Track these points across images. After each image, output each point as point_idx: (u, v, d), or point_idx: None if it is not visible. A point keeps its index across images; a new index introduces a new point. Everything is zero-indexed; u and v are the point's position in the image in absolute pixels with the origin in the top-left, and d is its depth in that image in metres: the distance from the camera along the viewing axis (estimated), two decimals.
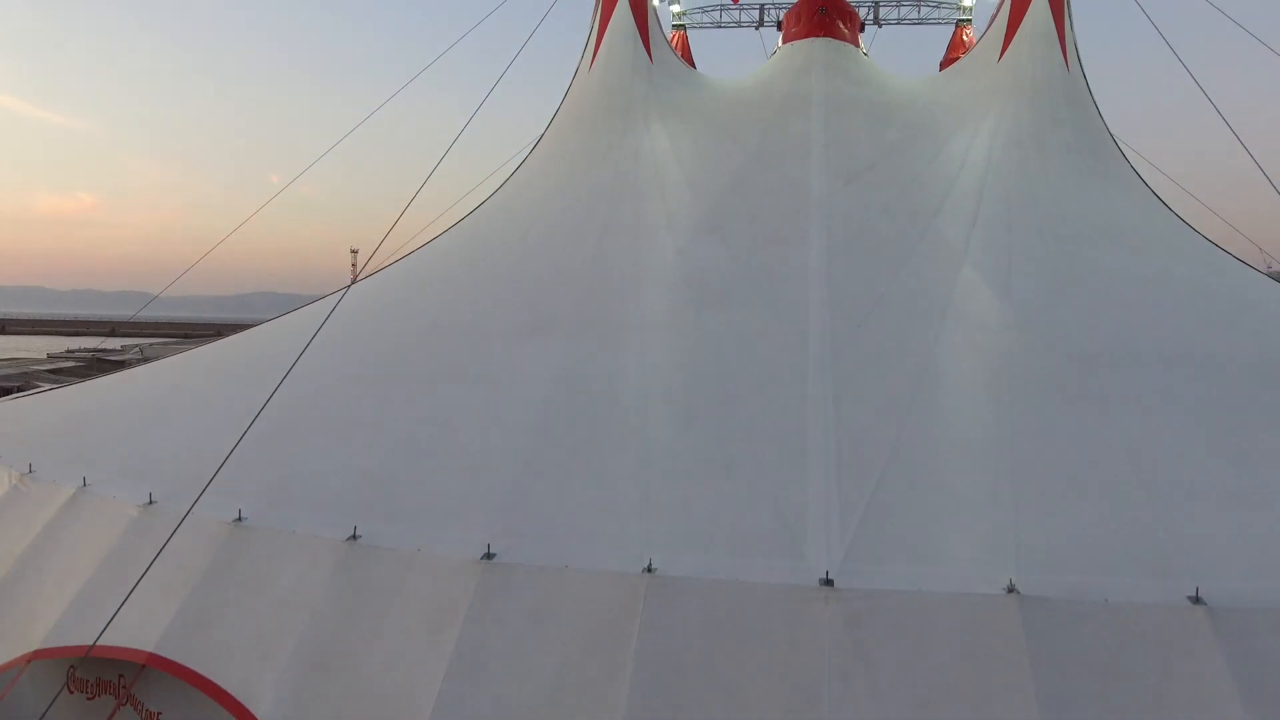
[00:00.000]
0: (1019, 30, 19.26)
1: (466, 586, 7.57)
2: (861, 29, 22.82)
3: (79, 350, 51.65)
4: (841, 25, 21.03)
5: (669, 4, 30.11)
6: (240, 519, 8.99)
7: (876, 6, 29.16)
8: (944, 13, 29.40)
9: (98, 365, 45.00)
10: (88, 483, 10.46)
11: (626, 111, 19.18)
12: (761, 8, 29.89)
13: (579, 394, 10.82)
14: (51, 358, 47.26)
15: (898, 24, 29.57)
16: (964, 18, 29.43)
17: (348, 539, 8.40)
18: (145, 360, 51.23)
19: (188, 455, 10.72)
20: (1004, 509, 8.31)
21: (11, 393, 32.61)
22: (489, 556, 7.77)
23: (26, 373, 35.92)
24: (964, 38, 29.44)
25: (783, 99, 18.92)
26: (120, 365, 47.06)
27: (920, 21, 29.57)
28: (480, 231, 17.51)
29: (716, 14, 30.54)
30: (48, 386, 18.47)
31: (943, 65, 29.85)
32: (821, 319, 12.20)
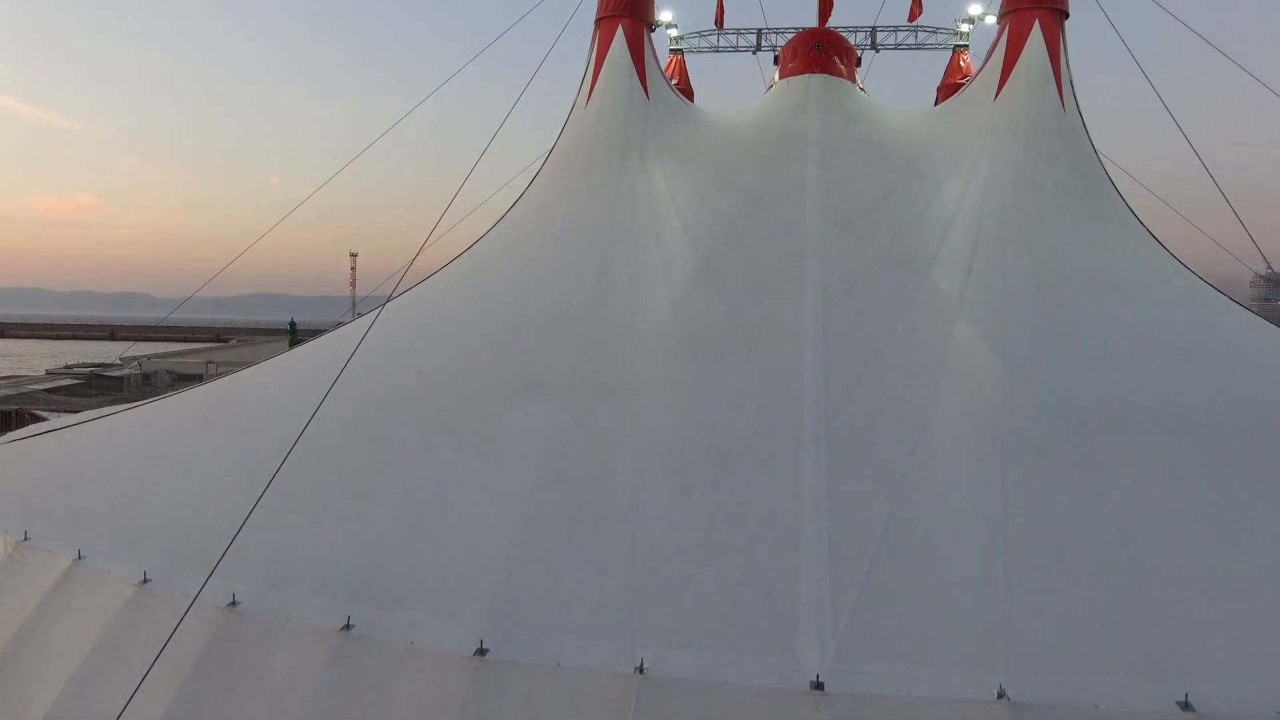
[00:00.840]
0: (1015, 69, 19.27)
1: (459, 685, 7.61)
2: (858, 63, 22.84)
3: (77, 365, 51.67)
4: (838, 61, 21.04)
5: (666, 29, 30.14)
6: (234, 603, 9.01)
7: (874, 32, 29.17)
8: (941, 38, 29.43)
9: (96, 382, 45.10)
10: (83, 555, 10.49)
11: (623, 149, 19.19)
12: (759, 33, 29.91)
13: (573, 464, 10.84)
14: (50, 374, 47.30)
15: (895, 49, 29.62)
16: (961, 43, 29.43)
17: (341, 629, 8.42)
18: (143, 375, 51.26)
19: (182, 525, 10.77)
20: (995, 598, 8.34)
21: (9, 417, 32.65)
22: (482, 652, 7.80)
23: (24, 394, 35.94)
24: (961, 63, 29.45)
25: (779, 138, 18.94)
26: (119, 381, 47.14)
27: (918, 47, 29.61)
28: (480, 269, 17.52)
29: (714, 39, 30.58)
30: (43, 428, 18.49)
31: (940, 90, 29.91)
32: (816, 380, 12.24)
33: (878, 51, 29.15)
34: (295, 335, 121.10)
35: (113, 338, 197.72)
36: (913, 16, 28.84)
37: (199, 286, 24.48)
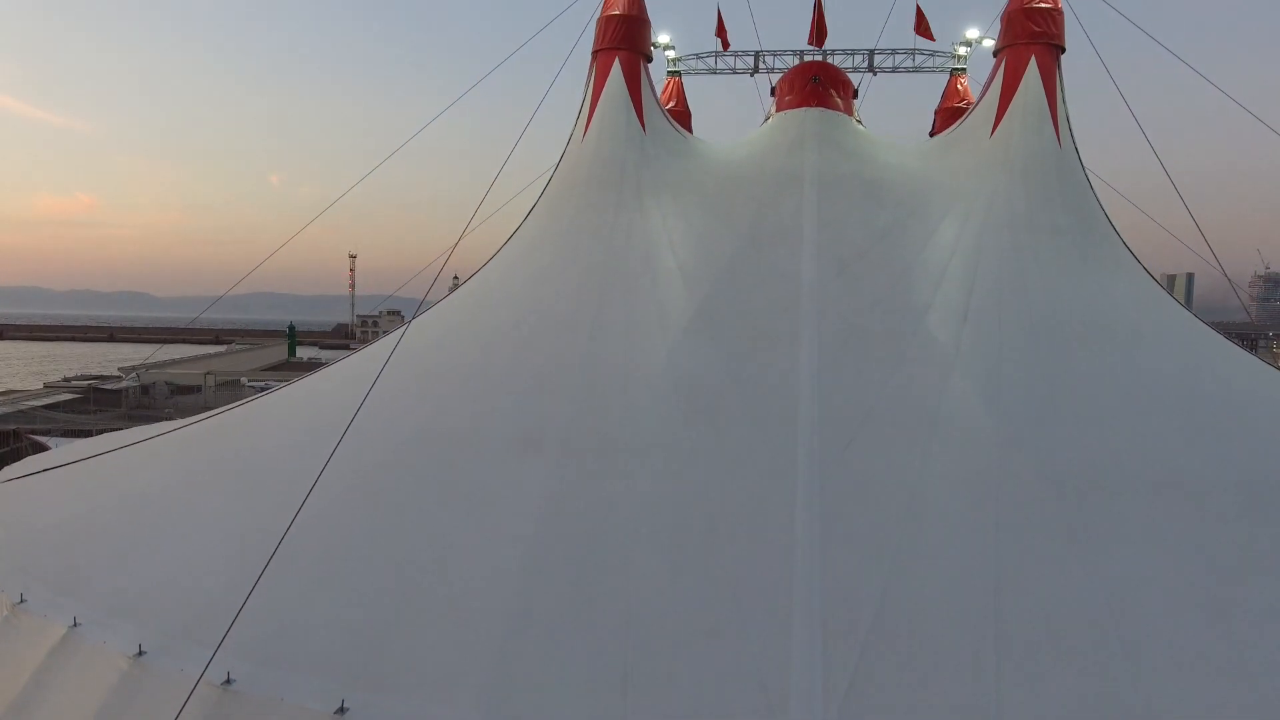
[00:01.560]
0: (1011, 105, 19.29)
1: None
2: (855, 94, 22.85)
3: (75, 378, 51.61)
4: (835, 95, 21.04)
5: (664, 50, 30.15)
6: (229, 681, 9.03)
7: (871, 55, 29.16)
8: (938, 61, 29.41)
9: (94, 396, 45.08)
10: (78, 622, 10.51)
11: (619, 185, 19.20)
12: (756, 55, 29.88)
13: (568, 533, 10.87)
14: (49, 388, 47.26)
15: (893, 72, 29.59)
16: (958, 67, 29.43)
17: (336, 711, 8.45)
18: (142, 387, 51.21)
19: (179, 592, 10.79)
20: (986, 685, 8.37)
21: (6, 438, 32.64)
22: None
23: (21, 411, 35.93)
24: (959, 86, 29.44)
25: (776, 175, 18.93)
26: (117, 395, 47.12)
27: (915, 70, 29.57)
28: (478, 311, 17.51)
29: (711, 60, 30.55)
30: (41, 462, 18.50)
31: (937, 114, 29.92)
32: (810, 440, 12.25)
33: (875, 74, 29.12)
34: (294, 340, 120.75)
35: (112, 339, 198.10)
36: (922, 29, 28.63)
37: (213, 300, 24.25)
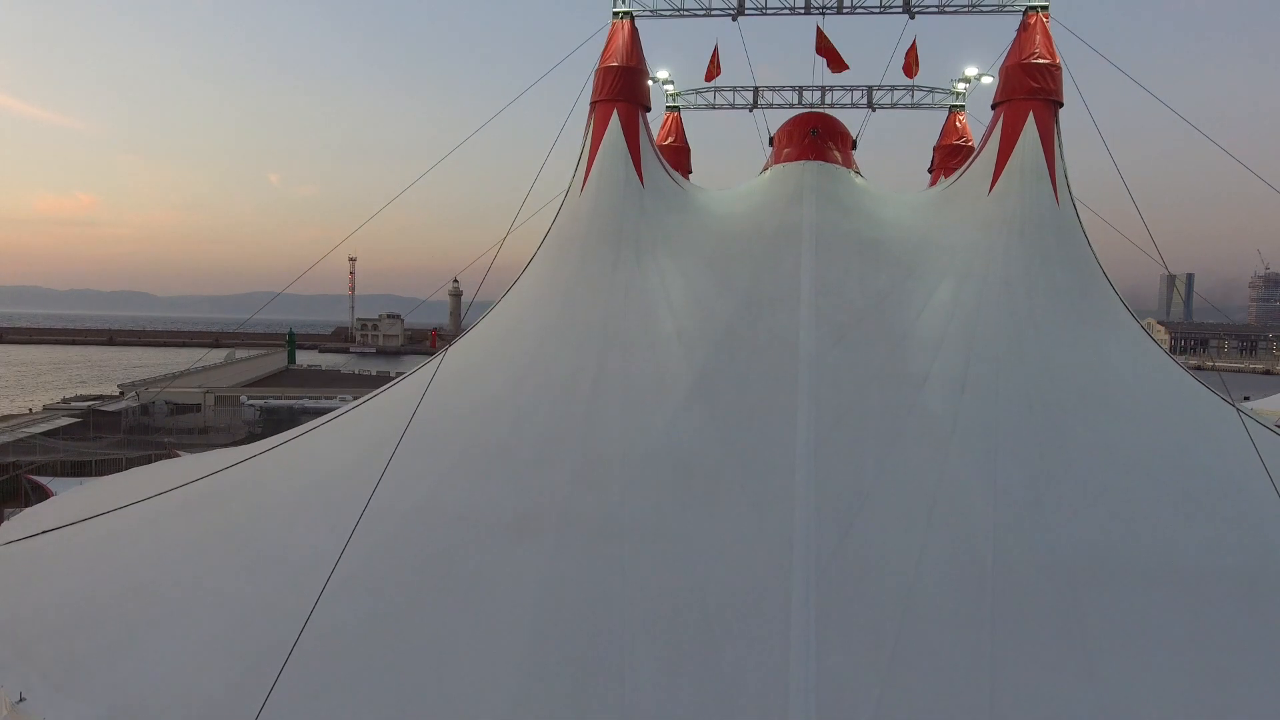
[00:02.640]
0: (1009, 162, 19.30)
1: None
2: (853, 145, 22.84)
3: (74, 399, 51.65)
4: (833, 147, 21.08)
5: (663, 85, 30.15)
6: None
7: (870, 91, 29.18)
8: (937, 98, 29.42)
9: (94, 418, 45.13)
10: None
11: (617, 241, 19.22)
12: (755, 90, 29.89)
13: (564, 628, 10.93)
14: (48, 410, 47.26)
15: (892, 108, 29.61)
16: (957, 104, 29.46)
17: None
18: (141, 406, 51.18)
19: (182, 694, 10.82)
20: None
21: (7, 468, 32.61)
22: None
23: (21, 441, 35.92)
24: (957, 124, 29.46)
25: (774, 232, 18.97)
26: (116, 417, 47.15)
27: (914, 106, 29.58)
28: (475, 373, 17.52)
29: (710, 95, 30.54)
30: (39, 517, 18.51)
31: (936, 150, 29.95)
32: (807, 527, 12.31)
33: (874, 110, 29.13)
34: (294, 347, 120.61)
35: (111, 342, 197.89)
36: (911, 73, 28.69)
37: (257, 308, 24.37)
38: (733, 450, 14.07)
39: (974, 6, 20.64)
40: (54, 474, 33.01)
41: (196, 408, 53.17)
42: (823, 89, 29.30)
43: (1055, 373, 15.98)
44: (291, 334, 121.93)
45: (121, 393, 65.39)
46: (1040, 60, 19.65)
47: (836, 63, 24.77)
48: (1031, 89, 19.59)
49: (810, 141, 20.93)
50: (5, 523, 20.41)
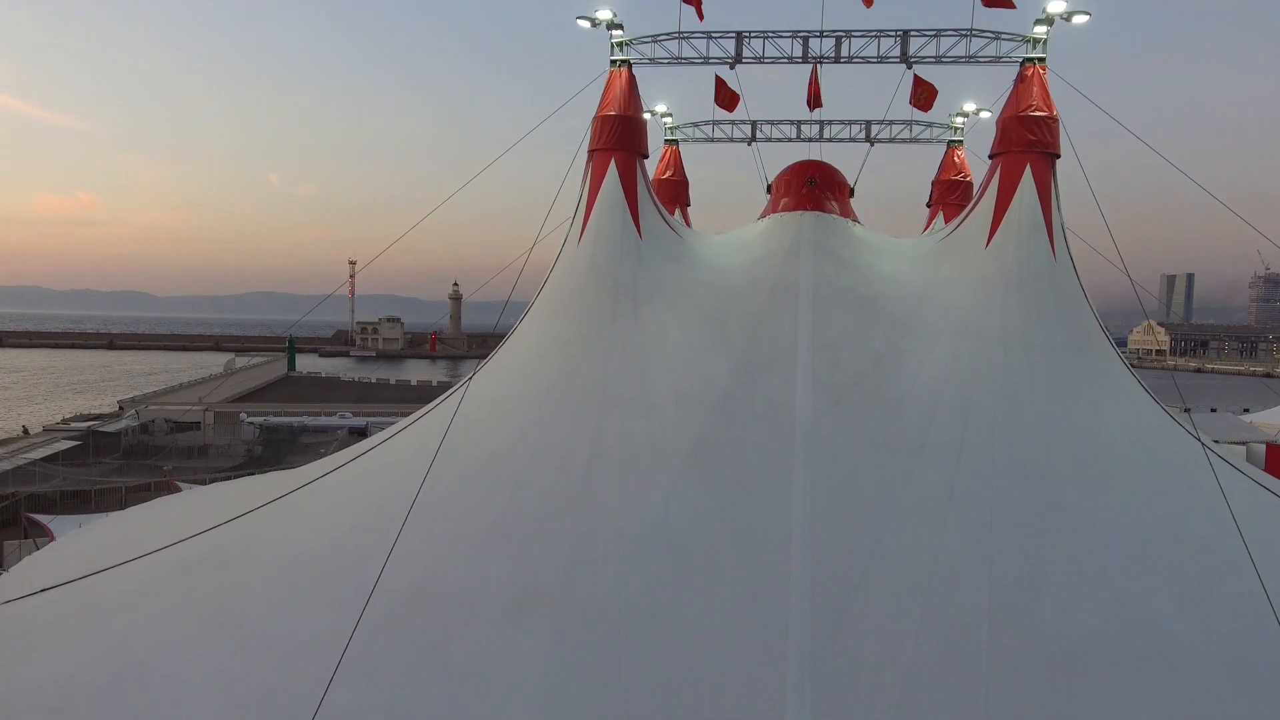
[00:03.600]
0: (1006, 215, 19.31)
1: None
2: (851, 193, 22.81)
3: (74, 419, 51.72)
4: (830, 197, 21.09)
5: (661, 118, 30.15)
6: None
7: (869, 126, 29.16)
8: (935, 133, 29.41)
9: (94, 440, 45.22)
10: None
11: (615, 295, 19.22)
12: (753, 124, 29.87)
13: None
14: (48, 431, 47.33)
15: (890, 142, 29.57)
16: (955, 139, 29.46)
17: None
18: (141, 425, 51.20)
19: None
20: None
21: (4, 497, 32.63)
22: None
23: (20, 469, 35.96)
24: (955, 159, 29.46)
25: (771, 288, 18.97)
26: (116, 438, 47.21)
27: (913, 140, 29.54)
28: (471, 435, 17.47)
29: (709, 129, 30.52)
30: (38, 572, 18.52)
31: (934, 185, 29.97)
32: (802, 611, 12.35)
33: (873, 144, 29.09)
34: (294, 353, 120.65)
35: (111, 346, 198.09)
36: (925, 104, 28.42)
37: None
38: (729, 527, 14.10)
39: (971, 58, 20.63)
40: (53, 505, 33.14)
41: (196, 425, 53.24)
42: (821, 123, 29.29)
43: (1051, 439, 16.01)
44: (291, 341, 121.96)
45: (120, 407, 65.61)
46: (1038, 113, 19.65)
47: (814, 100, 24.48)
48: (1029, 141, 19.60)
49: (808, 191, 20.93)
50: (4, 574, 20.48)
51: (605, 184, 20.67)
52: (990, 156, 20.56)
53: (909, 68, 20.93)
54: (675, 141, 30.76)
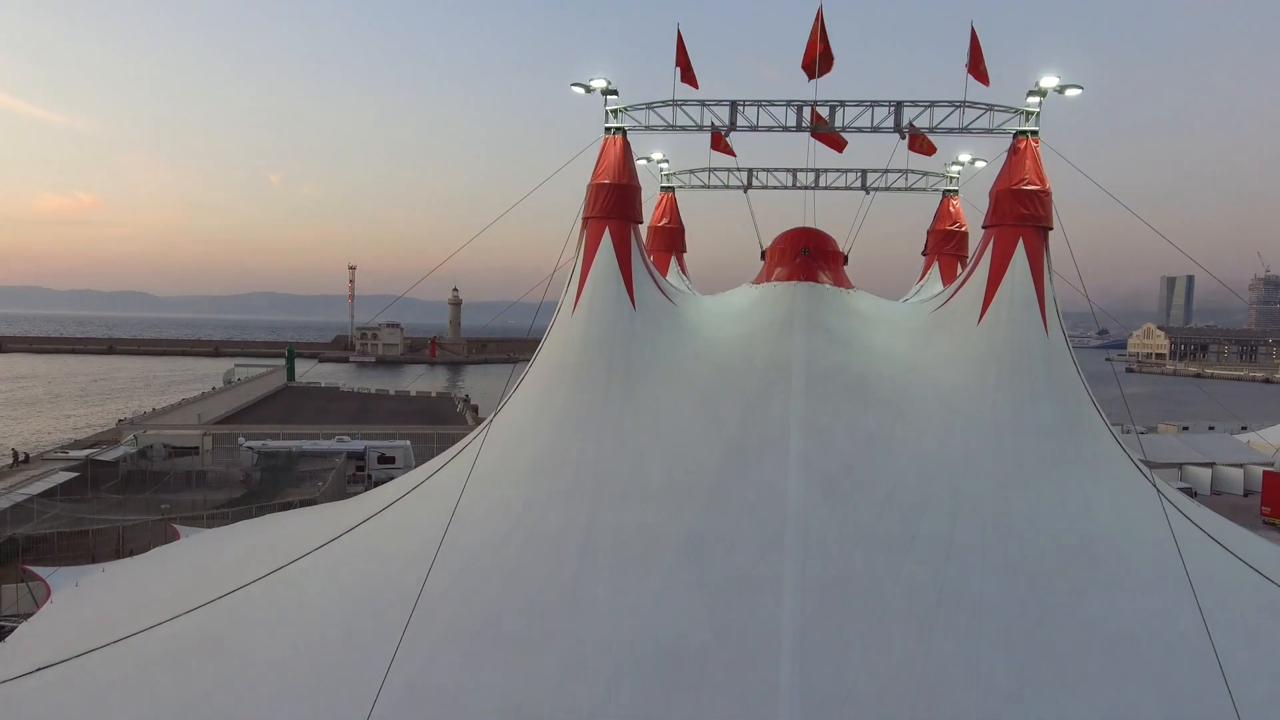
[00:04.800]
0: (998, 293, 19.37)
1: None
2: (845, 260, 22.80)
3: (72, 449, 51.69)
4: (824, 267, 21.12)
5: (657, 164, 30.18)
6: None
7: (864, 175, 29.13)
8: (931, 182, 29.37)
9: (92, 469, 45.35)
10: None
11: (608, 370, 19.25)
12: (749, 172, 29.86)
13: None
14: (45, 460, 47.32)
15: (886, 190, 29.53)
16: (950, 189, 29.48)
17: None
18: (140, 450, 51.26)
19: None
20: None
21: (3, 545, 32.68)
22: None
23: (18, 506, 35.95)
24: (950, 208, 29.48)
25: (765, 366, 18.98)
26: (115, 466, 47.28)
27: (908, 189, 29.53)
28: (465, 519, 17.43)
29: (704, 176, 30.52)
30: (31, 664, 18.54)
31: (929, 234, 30.01)
32: None
33: (869, 193, 29.13)
34: (293, 363, 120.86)
35: (111, 351, 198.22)
36: (927, 150, 28.10)
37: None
38: (720, 632, 14.15)
39: (964, 129, 20.66)
40: (50, 546, 33.25)
41: (194, 450, 53.29)
42: (816, 171, 29.33)
43: (1041, 533, 16.07)
44: (291, 352, 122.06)
45: (120, 423, 65.73)
46: (1030, 187, 19.71)
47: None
48: (1021, 215, 19.67)
49: (802, 262, 20.97)
50: (2, 644, 20.46)
51: (599, 254, 20.70)
52: (984, 227, 20.63)
53: (903, 138, 20.96)
54: (671, 189, 30.79)
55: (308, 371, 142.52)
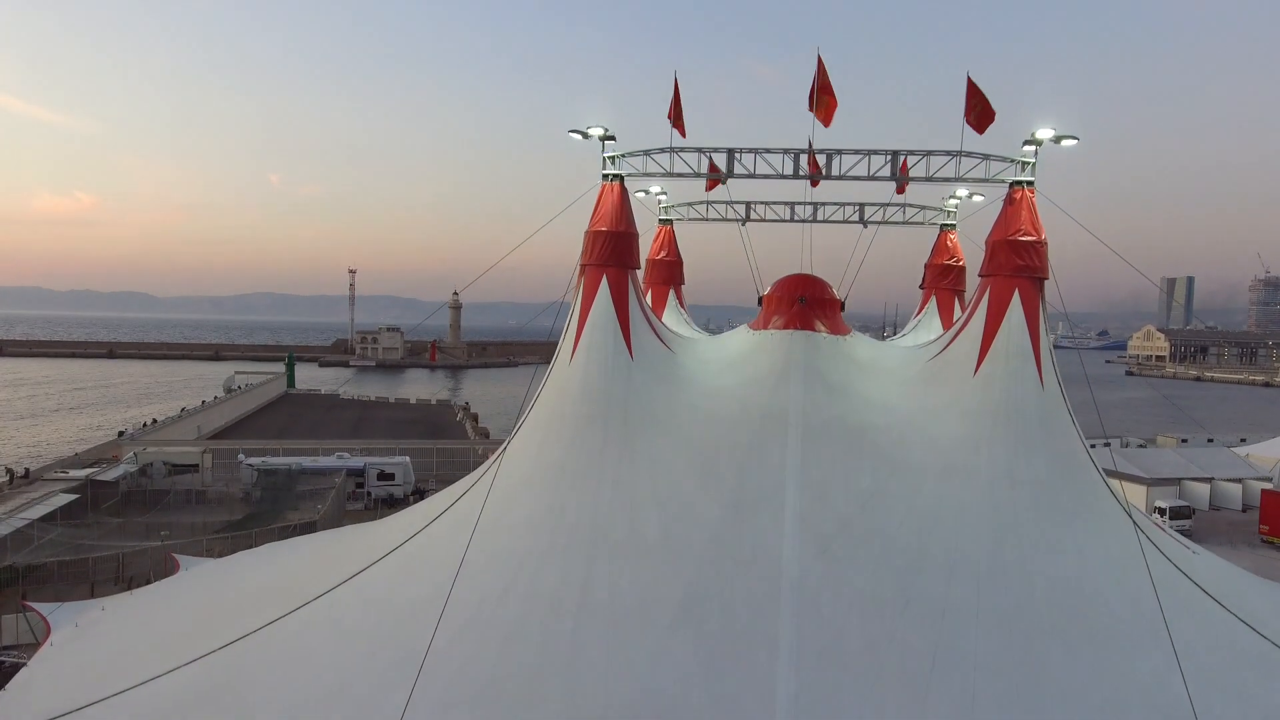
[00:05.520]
0: (994, 346, 19.45)
1: None
2: (842, 307, 22.82)
3: (73, 466, 51.75)
4: (821, 317, 21.20)
5: (656, 196, 30.26)
6: None
7: (862, 209, 29.15)
8: (928, 215, 29.40)
9: (92, 490, 45.51)
10: None
11: (605, 421, 19.36)
12: (747, 205, 29.90)
13: None
14: (44, 481, 47.40)
15: (883, 224, 29.54)
16: (948, 223, 29.53)
17: None
18: (140, 469, 51.35)
19: None
20: None
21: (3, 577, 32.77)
22: None
23: (18, 533, 36.05)
24: (948, 243, 29.56)
25: (761, 418, 19.07)
26: (114, 486, 47.38)
27: (905, 223, 29.55)
28: (464, 571, 17.56)
29: (703, 208, 30.57)
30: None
31: (927, 269, 30.10)
32: None
33: (866, 226, 29.18)
34: (293, 370, 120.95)
35: (111, 355, 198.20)
36: (900, 189, 28.67)
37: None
38: (715, 697, 14.28)
39: (960, 178, 20.74)
40: (50, 575, 33.38)
41: (194, 468, 53.40)
42: (814, 205, 29.42)
43: (1035, 591, 16.19)
44: (290, 359, 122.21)
45: (120, 435, 65.79)
46: (1026, 238, 19.79)
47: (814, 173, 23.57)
48: (1017, 266, 19.76)
49: (798, 310, 21.05)
50: (3, 692, 20.55)
51: (597, 302, 20.80)
52: (980, 275, 20.71)
53: (900, 191, 21.06)
54: (670, 221, 30.87)
55: (308, 376, 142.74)
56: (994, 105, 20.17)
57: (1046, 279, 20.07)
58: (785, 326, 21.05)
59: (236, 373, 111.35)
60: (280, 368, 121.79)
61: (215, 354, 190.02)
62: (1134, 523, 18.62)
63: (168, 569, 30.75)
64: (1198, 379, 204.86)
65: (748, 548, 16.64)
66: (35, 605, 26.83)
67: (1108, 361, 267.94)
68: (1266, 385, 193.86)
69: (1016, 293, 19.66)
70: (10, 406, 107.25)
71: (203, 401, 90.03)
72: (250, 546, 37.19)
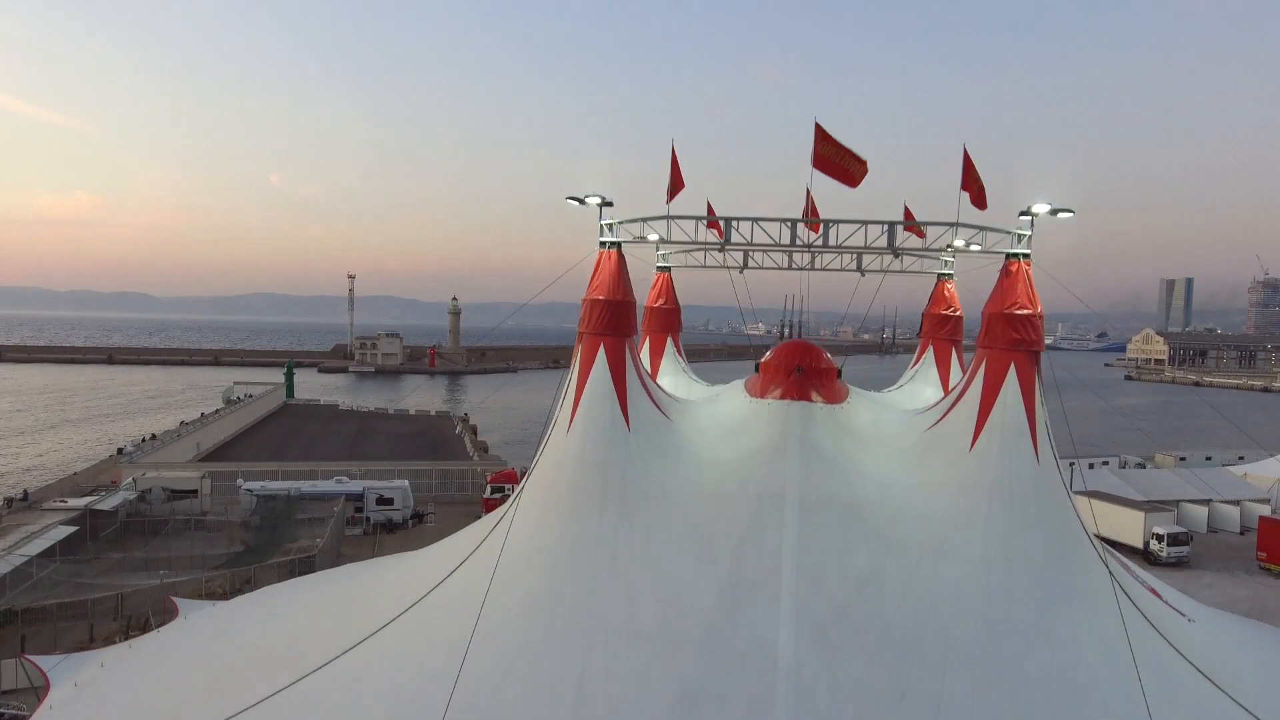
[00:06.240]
0: (990, 417, 19.50)
1: None
2: (839, 374, 22.89)
3: (71, 490, 51.85)
4: (818, 387, 21.23)
5: (654, 240, 30.25)
6: None
7: (859, 256, 29.17)
8: (925, 264, 29.45)
9: (91, 520, 45.65)
10: None
11: (603, 497, 19.39)
12: (745, 253, 29.95)
13: None
14: (44, 511, 47.44)
15: (882, 273, 29.60)
16: (945, 273, 29.59)
17: None
18: (139, 495, 51.38)
19: None
20: None
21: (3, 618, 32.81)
22: None
23: (17, 571, 36.09)
24: (945, 292, 29.64)
25: (758, 496, 19.07)
26: (113, 516, 47.45)
27: (903, 272, 29.60)
28: (460, 655, 17.57)
29: (700, 255, 30.64)
30: None
31: (924, 318, 30.16)
32: None
33: (863, 275, 29.21)
34: (292, 379, 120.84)
35: (111, 361, 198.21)
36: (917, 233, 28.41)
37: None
38: None
39: (955, 250, 20.77)
40: (49, 615, 33.46)
41: (193, 493, 53.46)
42: (811, 251, 29.40)
43: (1031, 684, 16.25)
44: (290, 368, 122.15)
45: (119, 453, 65.93)
46: (1022, 311, 19.83)
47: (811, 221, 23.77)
48: (1013, 340, 19.81)
49: (795, 380, 21.09)
50: None
51: (594, 371, 20.82)
52: (977, 345, 20.75)
53: (895, 256, 21.09)
54: (668, 269, 30.90)
55: (307, 382, 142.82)
56: (992, 175, 20.21)
57: (1042, 350, 20.12)
58: (783, 397, 21.07)
59: (235, 383, 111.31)
60: (279, 375, 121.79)
61: (215, 359, 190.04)
62: (1129, 598, 18.69)
63: (166, 610, 30.85)
64: (1196, 384, 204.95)
65: (743, 638, 16.67)
66: (34, 659, 26.89)
67: (1107, 365, 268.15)
68: (1265, 390, 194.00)
69: (1013, 366, 19.70)
70: (9, 420, 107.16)
71: (201, 414, 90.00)
72: (249, 581, 37.40)
